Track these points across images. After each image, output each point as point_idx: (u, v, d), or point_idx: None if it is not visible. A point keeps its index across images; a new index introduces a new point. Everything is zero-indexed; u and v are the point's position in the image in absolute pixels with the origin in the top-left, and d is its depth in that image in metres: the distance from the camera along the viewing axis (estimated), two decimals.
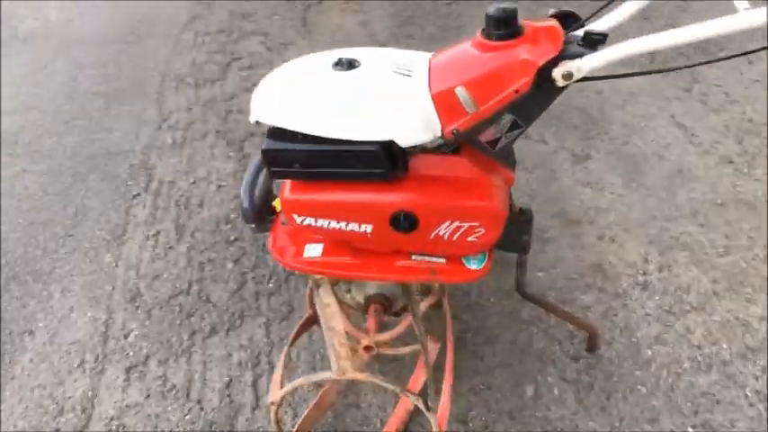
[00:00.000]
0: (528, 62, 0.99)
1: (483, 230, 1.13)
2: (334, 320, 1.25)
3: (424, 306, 1.42)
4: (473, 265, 1.19)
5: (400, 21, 2.91)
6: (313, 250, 1.23)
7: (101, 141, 2.27)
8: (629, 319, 1.62)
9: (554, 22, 1.05)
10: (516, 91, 1.00)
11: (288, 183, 1.10)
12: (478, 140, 1.14)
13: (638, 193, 1.99)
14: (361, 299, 1.31)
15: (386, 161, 1.05)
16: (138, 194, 2.08)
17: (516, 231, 1.27)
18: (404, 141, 1.03)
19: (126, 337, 1.65)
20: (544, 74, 0.99)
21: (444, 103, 1.02)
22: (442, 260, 1.19)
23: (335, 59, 1.10)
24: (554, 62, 0.98)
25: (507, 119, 1.17)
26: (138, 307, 1.73)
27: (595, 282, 1.72)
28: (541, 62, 0.98)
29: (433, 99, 1.02)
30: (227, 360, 1.58)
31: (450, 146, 1.15)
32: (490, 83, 1.01)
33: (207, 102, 2.45)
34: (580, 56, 0.99)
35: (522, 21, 1.03)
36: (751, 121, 2.26)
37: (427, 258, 1.19)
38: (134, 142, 2.26)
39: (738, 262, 1.76)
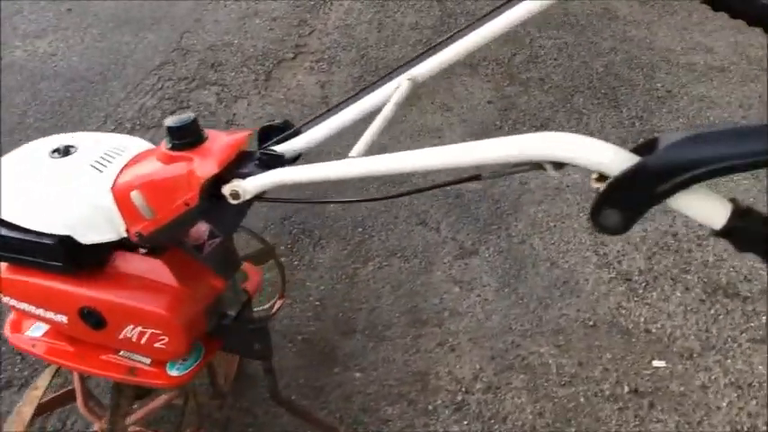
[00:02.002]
0: (193, 176, 0.99)
1: (166, 338, 1.13)
2: (25, 406, 1.26)
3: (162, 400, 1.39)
4: (173, 371, 1.19)
5: (359, 85, 2.93)
6: (37, 330, 1.26)
7: None
8: None
9: (243, 135, 1.05)
10: (186, 204, 0.99)
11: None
12: (186, 243, 1.15)
13: (507, 300, 1.89)
14: None
15: (64, 255, 1.07)
16: None
17: (246, 339, 1.24)
18: (82, 238, 1.05)
19: None
20: (215, 189, 0.98)
21: (124, 204, 1.03)
22: (147, 360, 1.19)
23: (55, 146, 1.13)
24: (224, 178, 0.98)
25: (205, 226, 1.17)
26: None
27: (410, 393, 1.64)
28: (204, 178, 0.97)
29: (114, 199, 1.03)
30: None
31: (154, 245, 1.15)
32: (163, 192, 1.02)
33: None
34: (250, 175, 0.98)
35: (208, 131, 1.04)
36: (675, 236, 2.10)
37: (131, 357, 1.19)
38: None
39: (578, 395, 1.62)
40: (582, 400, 1.62)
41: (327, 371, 1.70)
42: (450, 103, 2.84)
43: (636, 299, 1.89)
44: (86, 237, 1.05)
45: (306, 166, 0.93)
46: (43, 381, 1.31)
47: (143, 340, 1.12)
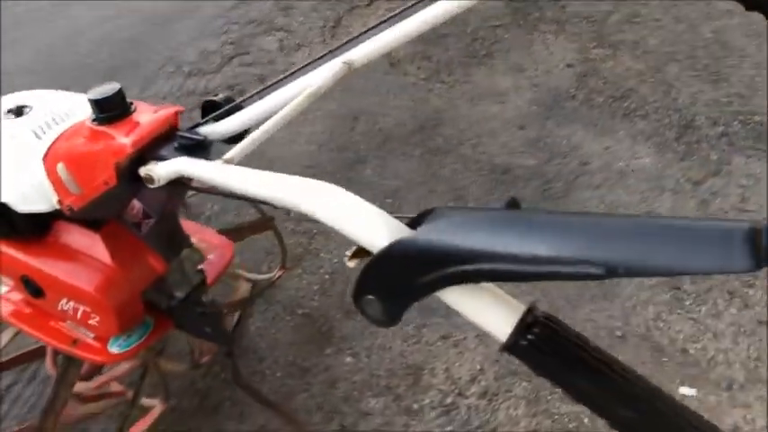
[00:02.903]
0: (109, 155, 0.94)
1: (97, 317, 1.11)
2: None
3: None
4: (114, 348, 1.17)
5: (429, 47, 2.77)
6: (4, 285, 1.28)
7: None
8: None
9: (170, 112, 0.99)
10: (105, 183, 0.95)
11: None
12: (125, 219, 1.12)
13: (529, 295, 1.73)
14: None
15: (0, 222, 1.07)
16: None
17: (197, 322, 1.21)
18: (17, 206, 1.04)
19: None
20: (133, 170, 0.93)
21: (54, 176, 1.01)
22: (91, 334, 1.18)
23: (11, 105, 1.11)
24: (144, 158, 0.93)
25: (138, 205, 1.12)
26: None
27: (398, 387, 1.55)
28: (117, 159, 0.92)
29: (45, 169, 1.01)
30: None
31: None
32: (85, 168, 0.99)
33: (185, 93, 2.56)
34: (166, 158, 0.92)
35: (137, 104, 0.99)
36: None
37: (77, 328, 1.18)
38: None
39: (581, 415, 1.47)
40: (585, 420, 1.46)
41: (319, 351, 1.64)
42: (524, 63, 2.62)
43: (679, 311, 1.67)
44: (21, 206, 1.03)
45: (217, 165, 0.84)
46: (6, 336, 1.34)
47: (78, 315, 1.10)
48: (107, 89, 0.95)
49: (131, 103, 0.97)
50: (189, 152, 0.92)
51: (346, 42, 0.92)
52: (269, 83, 1.00)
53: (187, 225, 1.36)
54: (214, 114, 1.01)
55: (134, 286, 1.09)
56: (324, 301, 1.77)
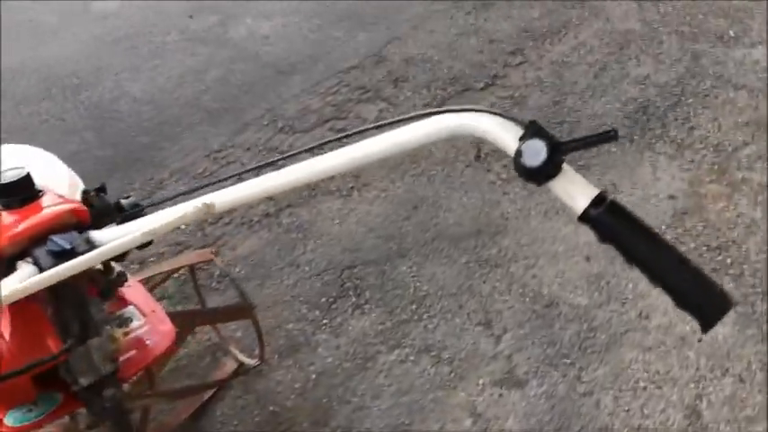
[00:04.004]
0: None
1: None
2: None
3: None
4: (9, 420, 1.18)
5: None
6: None
7: None
8: None
9: (66, 208, 0.99)
10: None
11: None
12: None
13: None
14: None
15: None
16: None
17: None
18: None
19: None
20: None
21: None
22: None
23: None
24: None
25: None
26: None
27: None
28: None
29: None
30: None
31: None
32: None
33: (268, 149, 2.61)
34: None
35: (47, 193, 1.00)
36: None
37: None
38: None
39: None
40: None
41: None
42: (621, 183, 2.37)
43: None
44: None
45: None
46: None
47: None
48: (10, 175, 0.96)
49: (40, 191, 0.97)
50: (58, 257, 0.90)
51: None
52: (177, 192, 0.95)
53: (144, 301, 1.34)
54: (120, 217, 0.99)
55: (22, 365, 1.07)
56: (298, 403, 1.68)
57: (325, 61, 3.23)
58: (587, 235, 2.15)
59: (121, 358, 1.23)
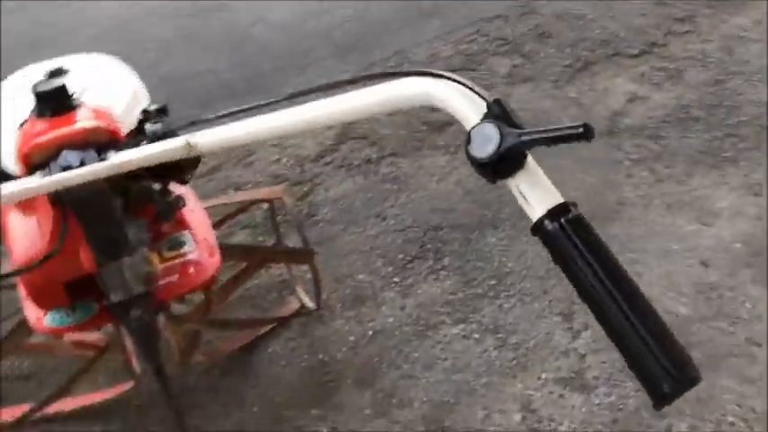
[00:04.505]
0: (22, 144, 0.99)
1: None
2: None
3: None
4: (48, 320, 1.24)
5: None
6: None
7: None
8: None
9: (85, 126, 0.99)
10: (21, 171, 1.02)
11: None
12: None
13: None
14: None
15: None
16: None
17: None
18: (9, 169, 1.14)
19: None
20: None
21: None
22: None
23: (54, 67, 1.21)
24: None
25: None
26: None
27: None
28: (25, 150, 0.98)
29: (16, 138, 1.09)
30: None
31: None
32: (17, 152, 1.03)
33: None
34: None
35: (84, 105, 1.02)
36: None
37: None
38: None
39: None
40: None
41: (306, 409, 1.53)
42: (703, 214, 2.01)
43: None
44: (10, 169, 1.11)
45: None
46: None
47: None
48: (52, 83, 0.97)
49: (76, 101, 0.98)
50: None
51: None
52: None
53: (200, 229, 1.35)
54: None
55: (55, 273, 1.11)
56: (348, 357, 1.64)
57: (470, 6, 3.05)
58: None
59: (162, 281, 1.24)
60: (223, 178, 2.18)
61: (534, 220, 0.54)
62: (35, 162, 0.94)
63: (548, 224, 0.53)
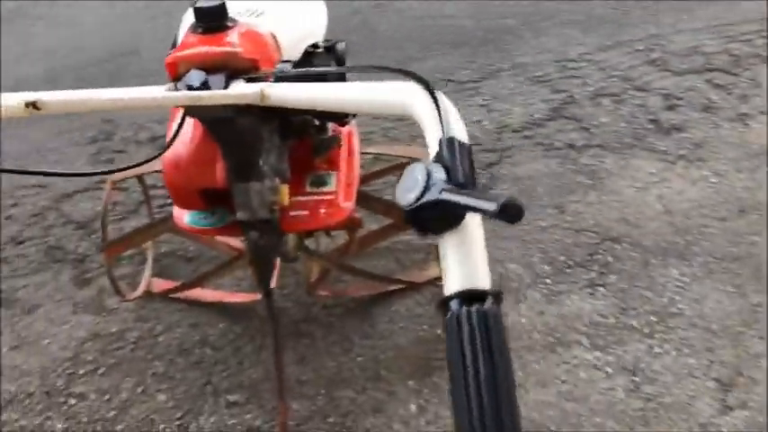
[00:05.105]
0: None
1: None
2: None
3: None
4: (186, 219, 1.34)
5: None
6: None
7: None
8: None
9: (223, 50, 1.03)
10: None
11: None
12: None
13: None
14: None
15: None
16: None
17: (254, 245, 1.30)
18: None
19: None
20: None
21: None
22: None
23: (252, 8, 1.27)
24: None
25: None
26: None
27: None
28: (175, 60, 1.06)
29: None
30: None
31: None
32: None
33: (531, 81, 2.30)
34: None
35: (240, 23, 1.06)
36: None
37: None
38: None
39: None
40: None
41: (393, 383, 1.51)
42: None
43: None
44: None
45: None
46: None
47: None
48: (213, 1, 1.01)
49: (231, 22, 1.01)
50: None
51: None
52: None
53: (348, 173, 1.37)
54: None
55: (192, 179, 1.19)
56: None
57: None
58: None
59: (290, 213, 1.28)
60: (407, 128, 2.15)
61: (444, 294, 0.47)
62: (177, 74, 0.99)
63: (454, 306, 0.46)
